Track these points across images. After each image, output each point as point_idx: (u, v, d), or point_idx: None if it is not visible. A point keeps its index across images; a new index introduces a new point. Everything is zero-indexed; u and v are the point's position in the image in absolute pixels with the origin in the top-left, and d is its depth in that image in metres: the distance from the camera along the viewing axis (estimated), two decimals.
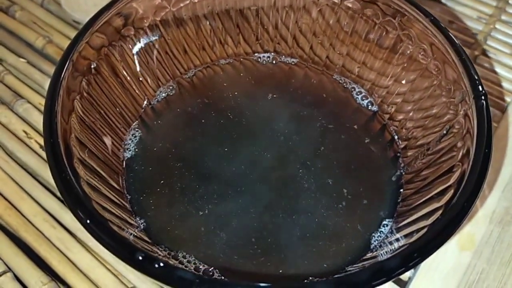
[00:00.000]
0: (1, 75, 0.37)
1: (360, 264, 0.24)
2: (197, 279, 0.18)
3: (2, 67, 0.37)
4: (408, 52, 0.29)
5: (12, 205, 0.30)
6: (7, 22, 0.40)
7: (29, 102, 0.35)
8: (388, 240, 0.25)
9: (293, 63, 0.34)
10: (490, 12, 0.41)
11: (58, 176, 0.21)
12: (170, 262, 0.24)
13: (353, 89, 0.33)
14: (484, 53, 0.38)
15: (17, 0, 0.42)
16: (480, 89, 0.23)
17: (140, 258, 0.19)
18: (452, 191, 0.22)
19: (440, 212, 0.21)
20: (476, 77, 0.24)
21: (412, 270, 0.28)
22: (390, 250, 0.23)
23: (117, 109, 0.29)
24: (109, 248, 0.19)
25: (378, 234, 0.26)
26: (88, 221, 0.19)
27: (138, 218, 0.27)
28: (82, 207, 0.20)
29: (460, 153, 0.23)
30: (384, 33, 0.30)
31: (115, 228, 0.20)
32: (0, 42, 0.39)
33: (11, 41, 0.39)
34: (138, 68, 0.30)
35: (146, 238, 0.25)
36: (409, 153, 0.29)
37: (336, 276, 0.19)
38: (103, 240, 0.19)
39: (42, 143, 0.33)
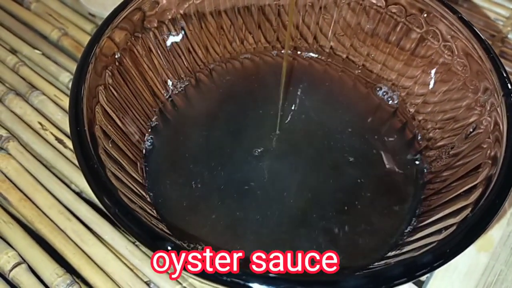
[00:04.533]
0: (16, 66, 0.36)
1: (383, 262, 0.24)
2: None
3: (17, 58, 0.37)
4: (432, 52, 0.29)
5: (27, 196, 0.30)
6: (22, 14, 0.40)
7: (44, 94, 0.35)
8: (412, 238, 0.25)
9: (313, 58, 0.34)
10: (507, 14, 0.41)
11: (86, 165, 0.20)
12: None
13: (374, 85, 0.33)
14: (501, 55, 0.38)
15: None
16: (510, 86, 0.23)
17: (170, 248, 0.18)
18: (480, 189, 0.22)
19: (469, 209, 0.21)
20: (505, 75, 0.23)
21: None
22: (414, 248, 0.23)
23: (138, 101, 0.29)
24: (138, 237, 0.19)
25: (401, 232, 0.26)
26: (117, 210, 0.19)
27: (157, 210, 0.26)
28: (109, 196, 0.20)
29: (488, 151, 0.23)
30: (407, 33, 0.30)
31: (142, 218, 0.20)
32: (15, 33, 0.39)
33: (26, 33, 0.39)
34: (159, 61, 0.30)
35: (167, 230, 0.25)
36: (431, 153, 0.29)
37: (368, 270, 0.19)
38: (131, 230, 0.19)
39: (58, 135, 0.33)
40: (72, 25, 0.39)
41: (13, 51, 0.38)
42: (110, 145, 0.24)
